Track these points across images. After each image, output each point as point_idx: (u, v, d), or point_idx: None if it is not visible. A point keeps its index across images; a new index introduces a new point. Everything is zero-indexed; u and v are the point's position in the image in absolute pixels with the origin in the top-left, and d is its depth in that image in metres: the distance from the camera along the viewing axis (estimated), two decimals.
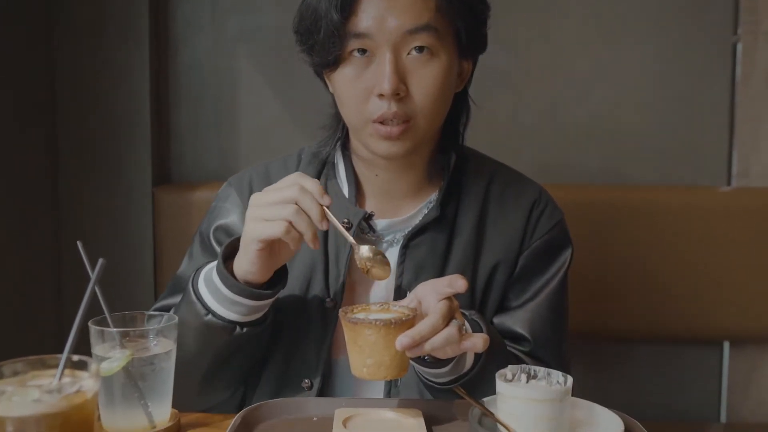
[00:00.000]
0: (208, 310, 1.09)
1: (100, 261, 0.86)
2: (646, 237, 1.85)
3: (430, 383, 1.09)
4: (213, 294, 1.09)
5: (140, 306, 1.06)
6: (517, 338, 1.22)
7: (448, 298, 0.97)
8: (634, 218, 1.85)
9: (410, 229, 1.21)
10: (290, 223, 1.00)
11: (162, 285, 1.93)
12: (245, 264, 1.06)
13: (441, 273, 1.19)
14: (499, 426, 0.96)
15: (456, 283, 0.98)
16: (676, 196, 1.89)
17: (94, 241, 1.92)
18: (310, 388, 1.19)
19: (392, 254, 1.22)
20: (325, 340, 1.20)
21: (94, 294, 0.90)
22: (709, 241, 1.84)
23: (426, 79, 1.11)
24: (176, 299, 1.22)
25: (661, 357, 2.00)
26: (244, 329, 1.10)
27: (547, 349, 1.22)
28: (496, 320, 1.24)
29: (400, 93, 1.09)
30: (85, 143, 1.95)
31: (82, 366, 0.78)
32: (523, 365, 0.99)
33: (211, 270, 1.11)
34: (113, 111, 1.94)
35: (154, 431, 0.97)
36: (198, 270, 1.14)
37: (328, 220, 1.01)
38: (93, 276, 0.85)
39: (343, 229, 1.04)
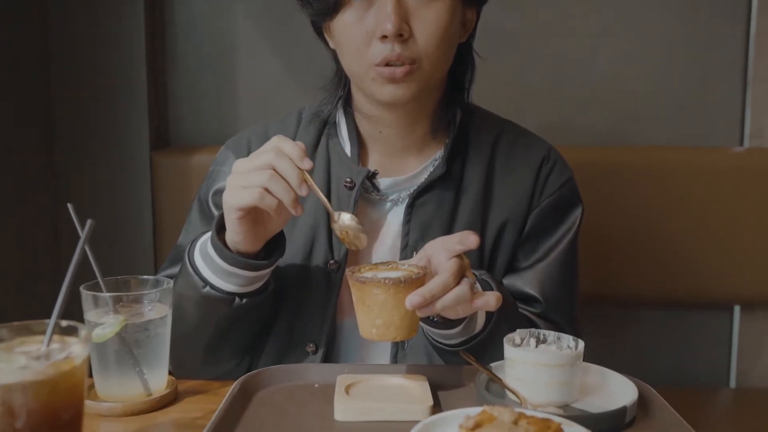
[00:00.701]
0: (206, 282, 1.06)
1: (89, 222, 0.82)
2: (656, 200, 1.82)
3: (440, 345, 1.06)
4: (209, 266, 1.05)
5: (140, 274, 1.03)
6: (527, 300, 1.19)
7: (459, 256, 0.94)
8: (643, 181, 1.82)
9: (415, 187, 1.18)
10: (266, 189, 0.96)
11: (161, 251, 1.90)
12: (230, 233, 1.02)
13: (448, 232, 1.15)
14: (507, 392, 0.92)
15: (467, 239, 0.94)
16: (686, 158, 1.85)
17: (91, 207, 1.89)
18: (315, 352, 1.16)
19: (397, 213, 1.19)
20: (330, 302, 1.17)
21: (86, 258, 0.87)
22: (720, 203, 1.81)
23: (430, 20, 1.07)
24: (177, 269, 1.19)
25: (670, 322, 1.98)
26: (244, 300, 1.07)
27: (559, 310, 1.19)
28: (505, 281, 1.20)
29: (404, 34, 1.05)
30: (80, 108, 1.91)
31: (71, 332, 0.75)
32: (533, 329, 0.96)
33: (206, 241, 1.07)
34: (108, 74, 1.89)
35: (149, 399, 0.94)
36: (194, 241, 1.11)
37: (308, 185, 0.96)
38: (82, 237, 0.81)
39: (322, 195, 1.01)
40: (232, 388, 0.95)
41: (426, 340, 1.09)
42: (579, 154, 1.74)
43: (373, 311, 0.92)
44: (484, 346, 1.03)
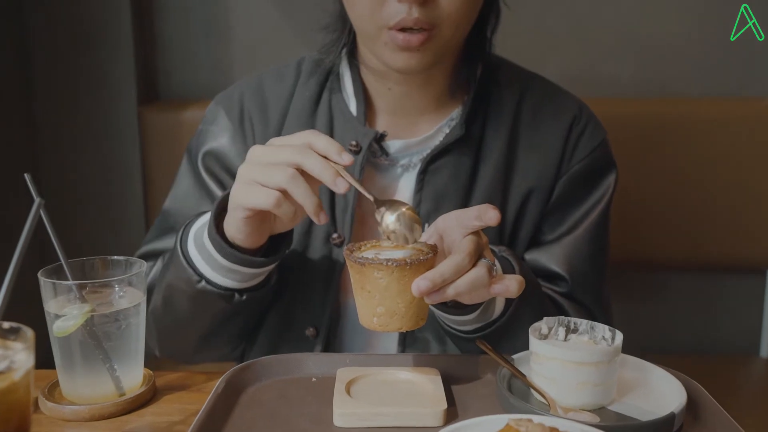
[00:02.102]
0: (201, 277, 0.95)
1: (37, 201, 0.69)
2: (685, 155, 1.73)
3: (452, 331, 0.95)
4: (206, 261, 0.94)
5: (132, 243, 0.91)
6: (552, 277, 1.08)
7: (476, 233, 0.82)
8: (672, 134, 1.73)
9: (429, 151, 1.05)
10: (285, 191, 0.82)
11: (153, 216, 1.80)
12: (232, 229, 0.89)
13: (465, 202, 1.04)
14: (533, 391, 0.80)
15: (486, 214, 0.81)
16: (719, 109, 1.76)
17: (74, 169, 1.82)
18: (316, 336, 1.06)
19: (408, 180, 1.07)
20: (332, 281, 1.05)
21: (37, 235, 0.74)
22: (755, 158, 1.73)
23: None
24: (165, 242, 1.10)
25: (699, 287, 1.92)
26: (244, 296, 0.96)
27: (587, 290, 1.08)
28: (528, 256, 1.09)
29: None
30: (60, 60, 1.82)
31: (14, 334, 0.62)
32: (561, 317, 0.84)
33: (201, 230, 0.95)
34: (90, 21, 1.79)
35: (122, 400, 0.82)
36: (186, 226, 0.98)
37: (345, 180, 0.81)
38: (29, 220, 0.69)
39: (364, 191, 0.84)
40: (217, 385, 0.83)
41: (438, 325, 0.97)
42: (603, 106, 1.61)
43: (374, 298, 0.79)
44: (504, 333, 0.92)
